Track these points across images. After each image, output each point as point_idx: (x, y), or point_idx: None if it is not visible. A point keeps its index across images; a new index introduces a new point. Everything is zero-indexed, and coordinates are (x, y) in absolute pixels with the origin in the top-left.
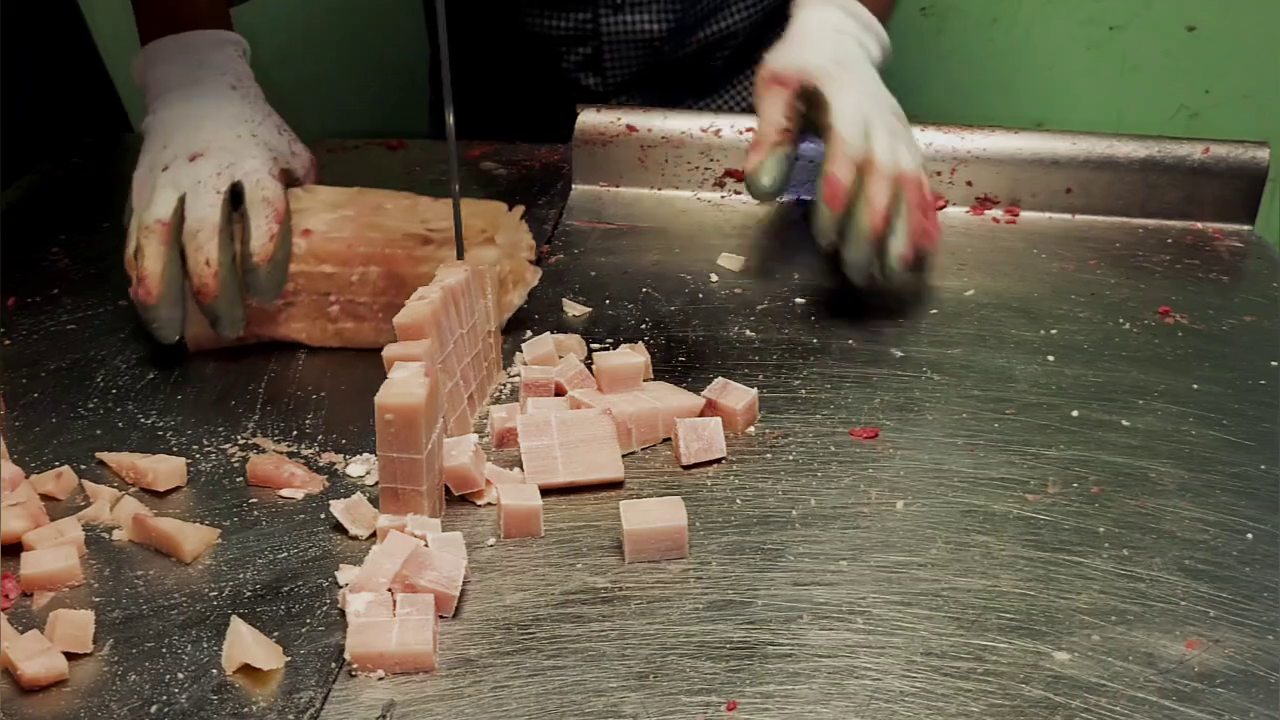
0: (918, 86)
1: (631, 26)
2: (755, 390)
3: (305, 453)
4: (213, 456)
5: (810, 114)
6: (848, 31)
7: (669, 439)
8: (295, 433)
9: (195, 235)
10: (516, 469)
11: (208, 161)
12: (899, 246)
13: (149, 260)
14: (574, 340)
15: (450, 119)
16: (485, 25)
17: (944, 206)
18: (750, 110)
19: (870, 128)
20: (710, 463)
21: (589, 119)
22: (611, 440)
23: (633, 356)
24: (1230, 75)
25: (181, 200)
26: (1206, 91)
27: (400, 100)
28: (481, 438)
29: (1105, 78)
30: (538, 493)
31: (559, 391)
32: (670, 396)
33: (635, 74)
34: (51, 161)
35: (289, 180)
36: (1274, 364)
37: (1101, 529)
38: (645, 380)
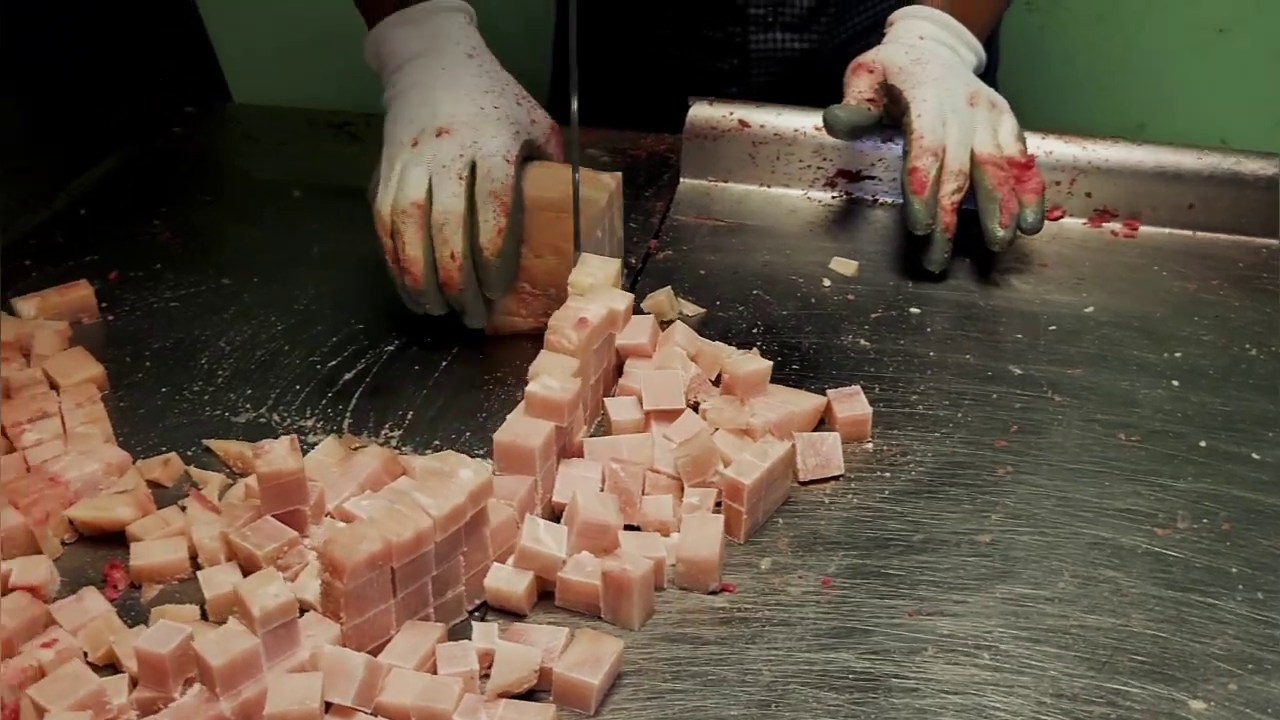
0: (1017, 84)
1: (780, 44)
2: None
3: (403, 449)
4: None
5: (893, 110)
6: (935, 38)
7: None
8: (390, 424)
9: (442, 227)
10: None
11: (452, 140)
12: (998, 230)
13: (410, 247)
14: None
15: (574, 104)
16: (618, 21)
17: (1061, 217)
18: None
19: (946, 122)
20: (828, 480)
21: (701, 112)
22: None
23: (760, 361)
24: None
25: (430, 181)
26: None
27: None
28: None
29: (1210, 83)
30: None
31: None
32: (796, 400)
33: (775, 85)
34: (152, 131)
35: (531, 152)
36: None
37: (1234, 569)
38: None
